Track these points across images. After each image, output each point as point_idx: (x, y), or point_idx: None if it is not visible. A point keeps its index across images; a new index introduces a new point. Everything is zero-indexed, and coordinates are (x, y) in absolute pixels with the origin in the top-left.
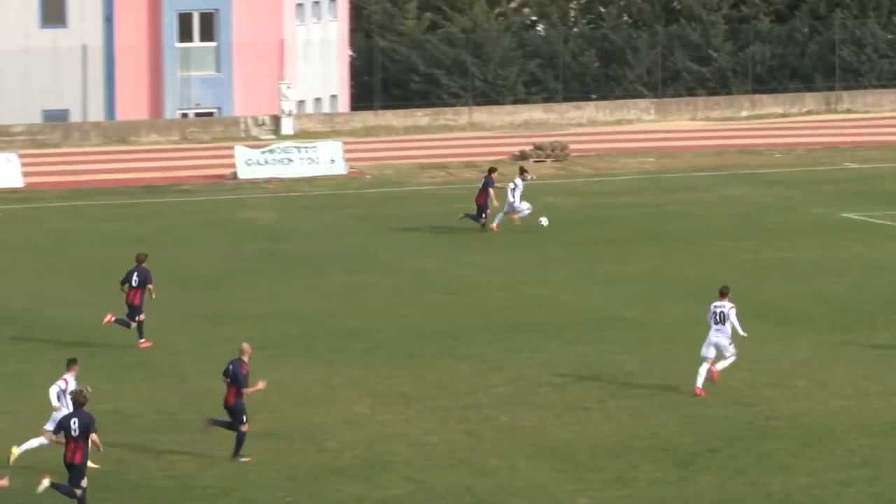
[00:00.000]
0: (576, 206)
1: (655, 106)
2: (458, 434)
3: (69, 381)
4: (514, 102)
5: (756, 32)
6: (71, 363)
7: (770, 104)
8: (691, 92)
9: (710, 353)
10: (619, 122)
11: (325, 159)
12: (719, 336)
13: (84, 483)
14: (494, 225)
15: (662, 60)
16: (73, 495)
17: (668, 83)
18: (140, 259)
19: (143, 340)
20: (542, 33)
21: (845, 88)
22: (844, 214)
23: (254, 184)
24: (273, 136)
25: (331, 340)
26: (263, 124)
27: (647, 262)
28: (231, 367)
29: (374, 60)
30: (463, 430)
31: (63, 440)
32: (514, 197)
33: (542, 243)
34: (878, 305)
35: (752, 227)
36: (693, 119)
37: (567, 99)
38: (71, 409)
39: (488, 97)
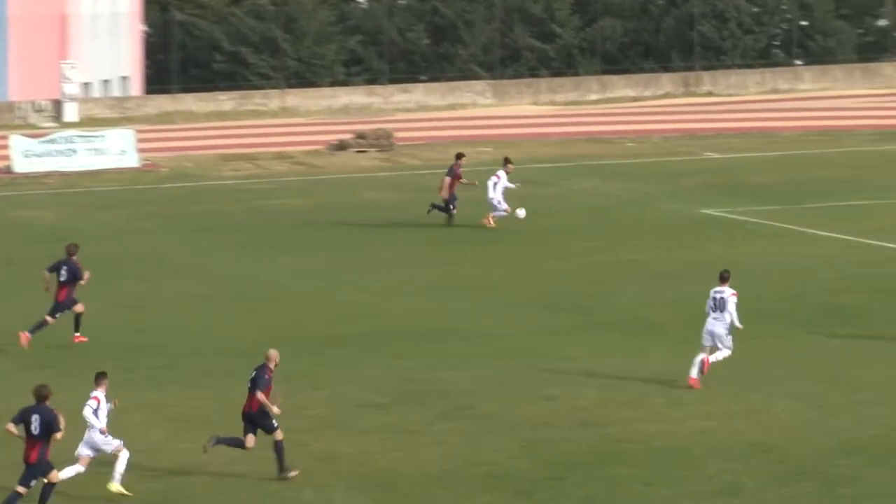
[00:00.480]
0: (401, 202)
1: (493, 88)
2: (268, 463)
3: (100, 399)
4: (333, 85)
5: (605, 5)
6: (100, 377)
7: (621, 86)
8: (533, 72)
9: (706, 341)
10: (451, 107)
11: (115, 150)
12: (716, 325)
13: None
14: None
15: (500, 37)
16: (17, 496)
17: (506, 63)
18: (71, 251)
19: (78, 335)
20: (365, 6)
21: (706, 68)
22: (704, 210)
23: (32, 178)
24: (54, 124)
25: (120, 357)
26: (43, 110)
27: (481, 266)
28: (255, 372)
29: (170, 37)
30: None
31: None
32: (494, 192)
33: (363, 245)
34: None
35: (602, 225)
36: (535, 103)
37: (393, 81)
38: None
39: (303, 79)
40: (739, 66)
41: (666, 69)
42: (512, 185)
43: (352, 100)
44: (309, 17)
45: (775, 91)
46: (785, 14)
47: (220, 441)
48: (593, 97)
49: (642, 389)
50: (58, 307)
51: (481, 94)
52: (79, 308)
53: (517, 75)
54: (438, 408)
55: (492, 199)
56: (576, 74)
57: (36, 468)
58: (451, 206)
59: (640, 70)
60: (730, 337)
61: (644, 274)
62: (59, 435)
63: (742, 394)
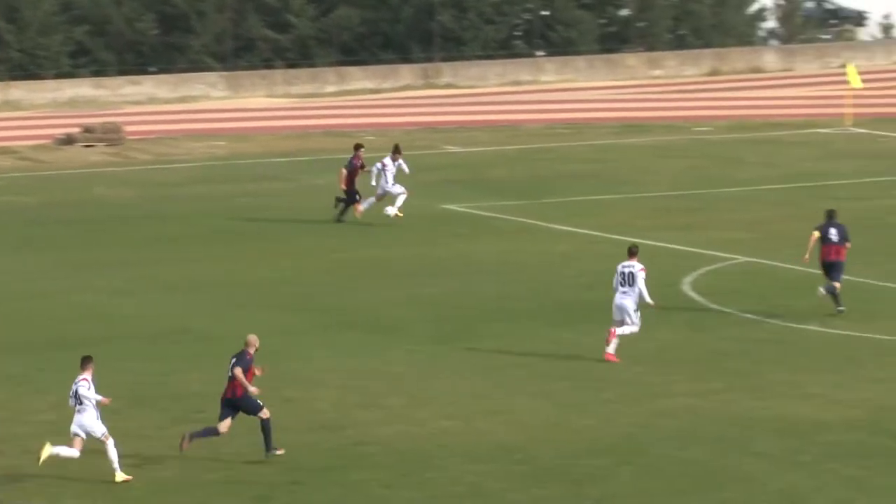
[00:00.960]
0: (132, 198)
1: (226, 80)
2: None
3: (89, 380)
4: (58, 77)
5: None
6: (86, 361)
7: (360, 78)
8: (268, 64)
9: (616, 315)
10: (183, 100)
11: None
12: (625, 299)
13: None
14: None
15: (233, 27)
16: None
17: (240, 53)
18: None
19: None
20: None
21: (446, 60)
22: (445, 206)
23: None
24: None
25: None
26: None
27: (218, 265)
28: (234, 358)
29: None
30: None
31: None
32: (388, 180)
33: (93, 244)
34: (481, 311)
35: (343, 223)
36: (270, 96)
37: (121, 72)
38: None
39: (26, 70)
40: (480, 58)
41: (405, 60)
42: (406, 170)
43: (78, 92)
44: (32, 7)
45: (517, 83)
46: (526, 4)
47: (195, 436)
48: (331, 89)
49: (383, 390)
50: None
51: (214, 86)
52: None
53: (251, 67)
54: (172, 412)
55: (380, 187)
56: (312, 66)
57: None
58: (357, 198)
59: (379, 61)
60: (637, 313)
61: (384, 271)
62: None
63: (485, 394)
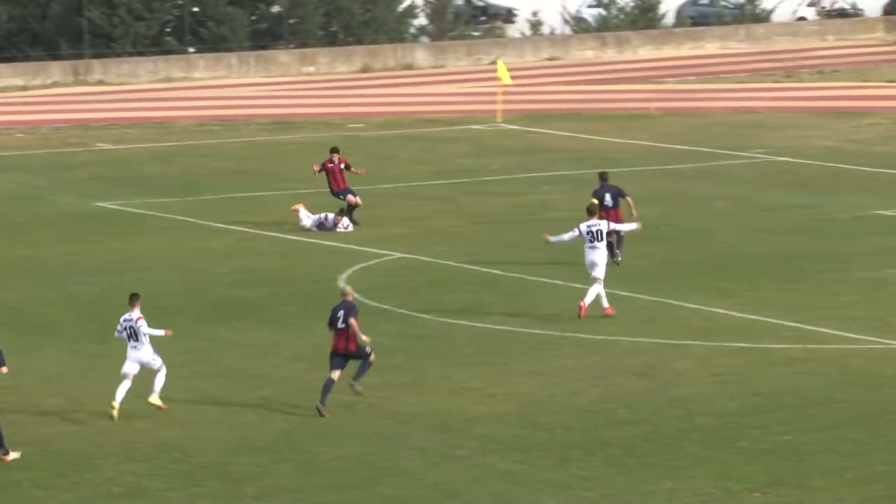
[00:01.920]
0: None
1: None
2: None
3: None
4: None
5: None
6: (135, 298)
7: (9, 75)
8: None
9: (591, 269)
10: None
11: None
12: (594, 253)
13: None
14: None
15: None
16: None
17: None
18: None
19: None
20: None
21: (96, 56)
22: (98, 203)
23: None
24: None
25: None
26: None
27: None
28: (342, 311)
29: None
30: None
31: None
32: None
33: None
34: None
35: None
36: None
37: None
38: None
39: None
40: (131, 54)
41: (54, 57)
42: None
43: None
44: None
45: (169, 80)
46: (176, 0)
47: (324, 399)
48: None
49: (37, 390)
50: None
51: None
52: None
53: None
54: None
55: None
56: None
57: None
58: (352, 195)
59: (28, 58)
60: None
61: (37, 270)
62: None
63: (142, 392)
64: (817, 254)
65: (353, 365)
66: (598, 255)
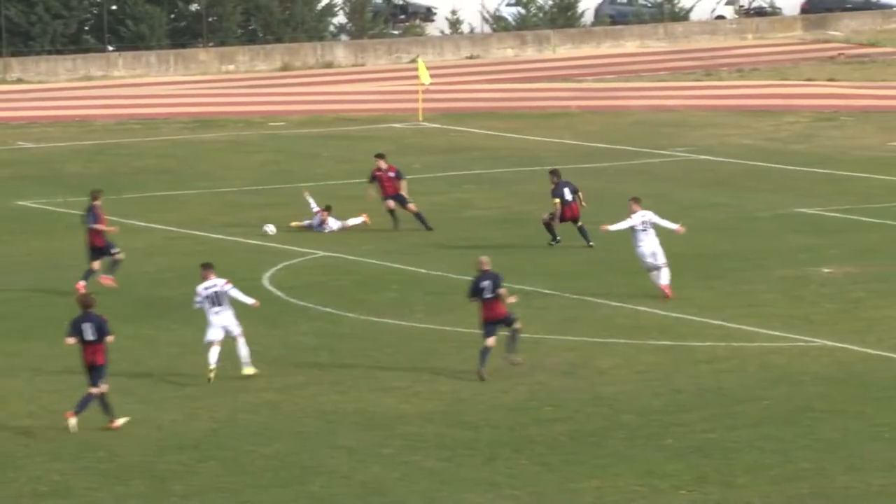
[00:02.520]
0: None
1: None
2: None
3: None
4: None
5: None
6: (209, 266)
7: None
8: None
9: (650, 260)
10: None
11: None
12: (647, 242)
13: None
14: None
15: None
16: (91, 397)
17: None
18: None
19: None
20: None
21: (14, 54)
22: (20, 202)
23: None
24: None
25: None
26: None
27: None
28: (487, 281)
29: None
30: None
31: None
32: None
33: None
34: (61, 307)
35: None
36: None
37: None
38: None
39: None
40: (50, 52)
41: None
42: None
43: None
44: None
45: (88, 78)
46: None
47: (483, 362)
48: None
49: None
50: None
51: None
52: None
53: None
54: None
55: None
56: None
57: (102, 368)
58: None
59: None
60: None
61: None
62: (111, 338)
63: (67, 391)
64: (738, 252)
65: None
66: (654, 243)
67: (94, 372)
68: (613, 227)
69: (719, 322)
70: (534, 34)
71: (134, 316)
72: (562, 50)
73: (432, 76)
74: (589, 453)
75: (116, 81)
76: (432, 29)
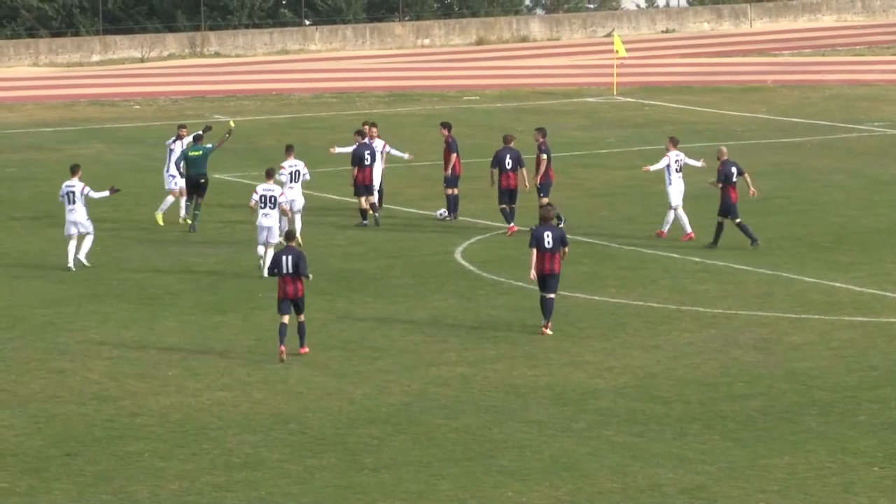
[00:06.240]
0: None
1: None
2: None
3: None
4: None
5: None
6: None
7: (125, 47)
8: (32, 33)
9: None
10: None
11: None
12: (680, 184)
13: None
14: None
15: None
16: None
17: (3, 22)
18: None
19: None
20: None
21: (212, 28)
22: (217, 175)
23: None
24: None
25: None
26: None
27: None
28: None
29: None
30: None
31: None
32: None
33: None
34: (253, 281)
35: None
36: (35, 65)
37: None
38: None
39: None
40: (247, 27)
41: (171, 29)
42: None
43: None
44: None
45: (285, 52)
46: None
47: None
48: (96, 58)
49: (156, 360)
50: None
51: None
52: None
53: (15, 36)
54: None
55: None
56: (77, 34)
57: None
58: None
59: (145, 30)
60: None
61: (154, 241)
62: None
63: (259, 363)
64: None
65: None
66: (682, 185)
67: None
68: (653, 168)
69: None
70: (730, 8)
71: (327, 289)
72: (758, 24)
73: (627, 50)
74: (781, 429)
75: (312, 55)
76: (628, 2)
